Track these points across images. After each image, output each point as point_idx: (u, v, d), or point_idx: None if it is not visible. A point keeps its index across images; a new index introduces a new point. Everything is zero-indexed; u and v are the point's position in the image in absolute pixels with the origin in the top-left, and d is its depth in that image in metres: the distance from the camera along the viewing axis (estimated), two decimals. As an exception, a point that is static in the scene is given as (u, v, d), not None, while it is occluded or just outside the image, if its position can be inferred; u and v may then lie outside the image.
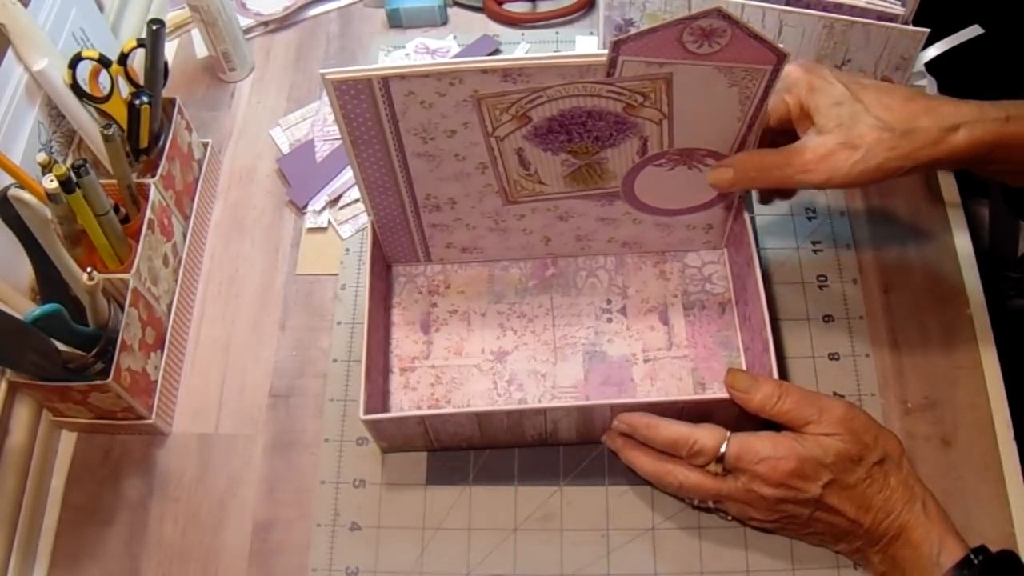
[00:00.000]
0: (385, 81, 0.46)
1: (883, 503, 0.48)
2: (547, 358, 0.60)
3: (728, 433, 0.50)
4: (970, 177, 0.67)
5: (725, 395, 0.51)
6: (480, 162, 0.53)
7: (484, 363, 0.60)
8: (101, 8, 0.70)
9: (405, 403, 0.59)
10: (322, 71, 0.47)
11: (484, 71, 0.46)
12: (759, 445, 0.49)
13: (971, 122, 0.47)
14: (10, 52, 0.58)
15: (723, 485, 0.50)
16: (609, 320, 0.61)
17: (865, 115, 0.48)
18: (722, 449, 0.49)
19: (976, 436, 0.57)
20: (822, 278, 0.63)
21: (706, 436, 0.50)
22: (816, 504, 0.49)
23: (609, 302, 0.62)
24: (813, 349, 0.60)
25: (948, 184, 0.66)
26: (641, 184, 0.56)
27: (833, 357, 0.60)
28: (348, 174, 0.69)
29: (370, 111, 0.49)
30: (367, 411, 0.52)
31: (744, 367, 0.59)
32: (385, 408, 0.59)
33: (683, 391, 0.59)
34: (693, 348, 0.60)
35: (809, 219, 0.66)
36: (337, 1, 0.80)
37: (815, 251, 0.64)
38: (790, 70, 0.50)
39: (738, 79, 0.47)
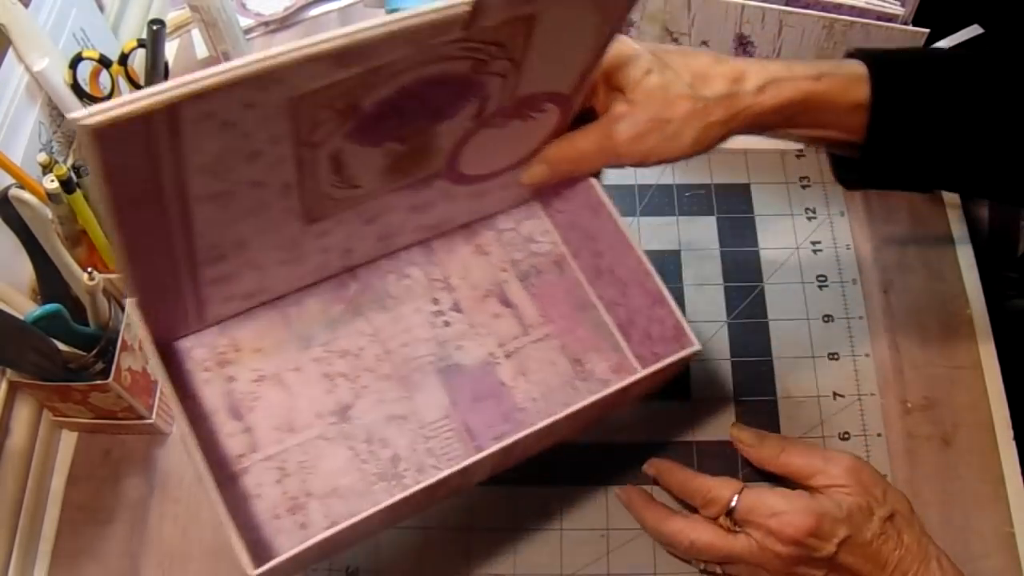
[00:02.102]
0: (173, 109, 0.31)
1: (898, 561, 0.47)
2: (398, 395, 0.49)
3: (743, 485, 0.50)
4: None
5: (625, 381, 0.45)
6: (284, 183, 0.40)
7: (328, 429, 0.48)
8: (101, 8, 0.70)
9: (262, 517, 0.46)
10: (74, 115, 0.30)
11: (312, 59, 0.33)
12: (772, 500, 0.48)
13: (780, 80, 0.45)
14: (10, 52, 0.58)
15: (735, 543, 0.49)
16: (447, 323, 0.52)
17: (676, 84, 0.45)
18: (734, 501, 0.49)
19: (976, 436, 0.57)
20: (822, 278, 0.63)
21: (720, 486, 0.50)
22: (830, 563, 0.47)
23: (436, 301, 0.52)
24: (813, 349, 0.60)
25: (948, 184, 0.66)
26: (468, 154, 0.46)
27: (833, 357, 0.60)
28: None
29: (145, 158, 0.33)
30: (257, 562, 0.39)
31: (614, 326, 0.52)
32: (257, 541, 0.45)
33: (562, 375, 0.51)
34: (551, 323, 0.52)
35: (809, 219, 0.66)
36: (337, 1, 0.81)
37: (815, 251, 0.64)
38: None
39: None
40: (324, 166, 0.41)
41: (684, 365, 0.49)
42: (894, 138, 0.47)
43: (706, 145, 0.46)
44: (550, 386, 0.51)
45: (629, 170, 0.68)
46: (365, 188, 0.44)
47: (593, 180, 0.50)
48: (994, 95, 0.47)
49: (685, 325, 0.46)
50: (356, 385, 0.50)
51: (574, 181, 0.51)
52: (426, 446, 0.49)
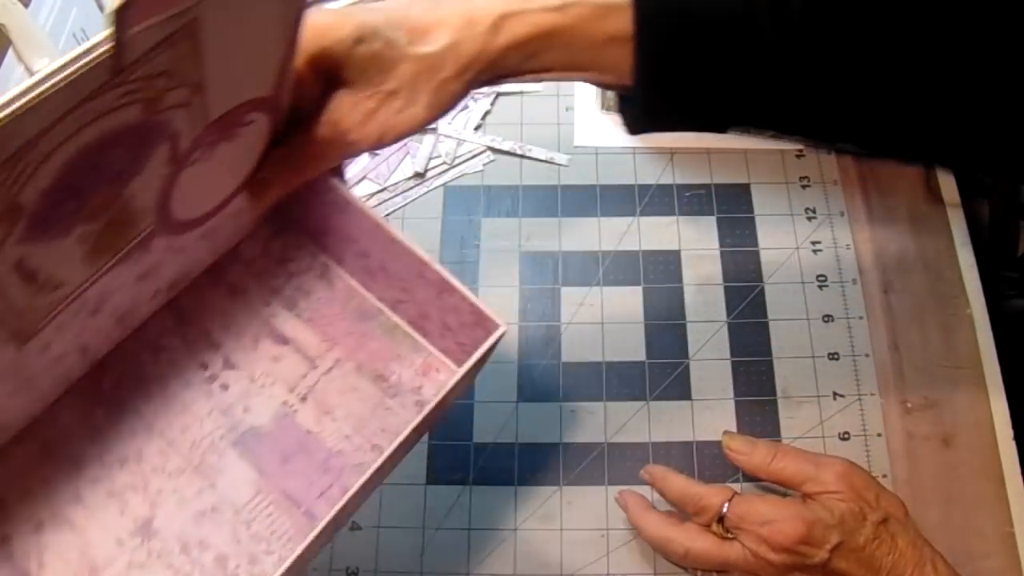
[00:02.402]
0: None
1: (892, 566, 0.46)
2: (199, 487, 0.43)
3: (733, 493, 0.50)
4: (970, 177, 0.67)
5: (443, 390, 0.40)
6: None
7: (135, 554, 0.42)
8: (101, 8, 0.70)
9: None
10: None
11: None
12: (764, 507, 0.48)
13: (512, 14, 0.40)
14: (10, 52, 0.59)
15: (730, 552, 0.49)
16: (224, 387, 0.45)
17: (392, 48, 0.39)
18: (724, 508, 0.49)
19: (976, 436, 0.57)
20: (822, 278, 0.63)
21: (711, 494, 0.50)
22: (824, 570, 0.47)
23: (205, 366, 0.45)
24: (813, 349, 0.60)
25: (948, 184, 0.66)
26: (179, 200, 0.39)
27: (833, 357, 0.60)
28: (348, 174, 0.69)
29: None
30: None
31: (407, 325, 0.48)
32: None
33: (369, 399, 0.46)
34: (338, 345, 0.46)
35: (809, 219, 0.66)
36: (337, 1, 0.80)
37: (815, 251, 0.64)
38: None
39: None
40: (11, 280, 0.33)
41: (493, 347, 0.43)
42: (666, 76, 0.41)
43: (447, 105, 0.41)
44: (360, 416, 0.46)
45: (629, 169, 0.68)
46: (71, 283, 0.37)
47: (333, 179, 0.44)
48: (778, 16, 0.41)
49: (483, 307, 0.42)
50: (149, 493, 0.43)
51: (313, 185, 0.44)
52: (249, 532, 0.43)
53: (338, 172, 0.45)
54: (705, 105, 0.43)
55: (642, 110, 0.44)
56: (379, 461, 0.38)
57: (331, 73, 0.40)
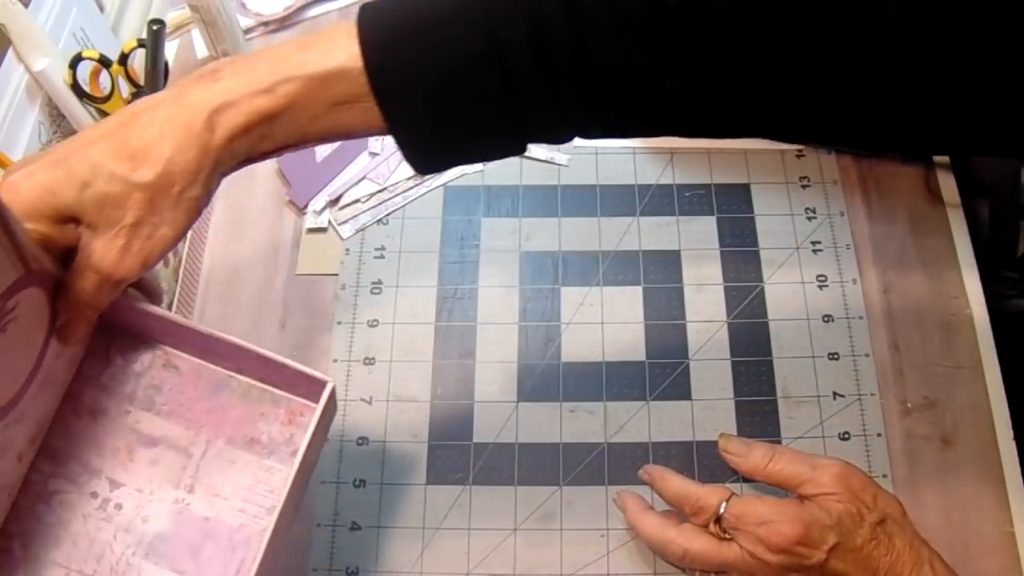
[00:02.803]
0: None
1: (890, 566, 0.46)
2: None
3: (731, 493, 0.50)
4: (970, 177, 0.67)
5: (303, 443, 0.43)
6: None
7: None
8: (101, 8, 0.70)
9: None
10: None
11: None
12: (761, 508, 0.48)
13: (226, 106, 0.38)
14: (10, 52, 0.58)
15: (728, 552, 0.49)
16: (118, 506, 0.46)
17: (117, 183, 0.38)
18: (722, 509, 0.49)
19: (976, 436, 0.57)
20: (822, 278, 0.63)
21: (709, 494, 0.50)
22: (822, 570, 0.47)
23: (95, 494, 0.46)
24: (813, 349, 0.60)
25: (948, 184, 0.66)
26: None
27: (833, 357, 0.60)
28: (348, 174, 0.69)
29: None
30: None
31: (258, 381, 0.48)
32: None
33: (249, 466, 0.47)
34: (203, 426, 0.48)
35: (809, 219, 0.66)
36: (337, 1, 0.81)
37: (815, 251, 0.64)
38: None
39: None
40: None
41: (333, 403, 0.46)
42: (423, 129, 0.40)
43: (194, 213, 0.40)
44: (247, 486, 0.47)
45: (628, 169, 0.68)
46: None
47: (126, 300, 0.45)
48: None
49: (308, 371, 0.45)
50: None
51: (115, 304, 0.43)
52: None
53: (139, 285, 0.46)
54: (472, 140, 0.41)
55: (415, 155, 0.42)
56: (273, 521, 0.41)
57: (69, 221, 0.39)
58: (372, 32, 0.39)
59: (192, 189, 0.39)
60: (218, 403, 0.48)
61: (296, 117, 0.39)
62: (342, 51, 0.38)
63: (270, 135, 0.40)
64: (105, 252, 0.39)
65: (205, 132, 0.38)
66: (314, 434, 0.44)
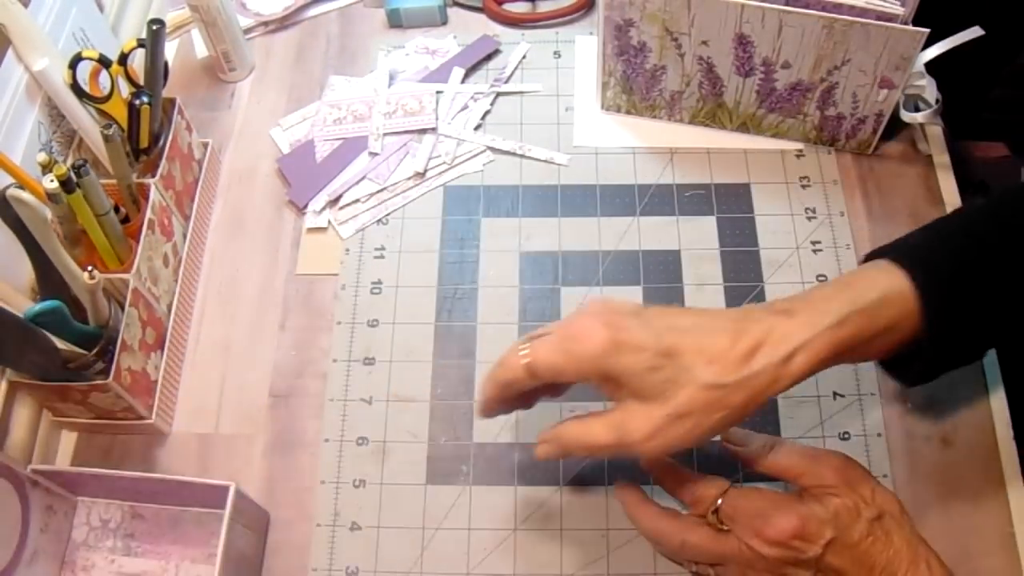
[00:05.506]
0: None
1: (886, 563, 0.46)
2: None
3: (728, 485, 0.49)
4: (970, 177, 0.67)
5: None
6: None
7: None
8: (101, 8, 0.70)
9: None
10: None
11: None
12: (758, 501, 0.48)
13: (805, 344, 0.43)
14: (10, 52, 0.58)
15: (725, 545, 0.48)
16: None
17: (686, 376, 0.43)
18: (719, 500, 0.49)
19: (976, 436, 0.57)
20: (822, 278, 0.63)
21: (707, 485, 0.50)
22: (818, 565, 0.47)
23: None
24: (813, 349, 0.60)
25: (948, 184, 0.66)
26: None
27: (833, 357, 0.60)
28: (348, 174, 0.69)
29: None
30: None
31: (200, 509, 0.57)
32: None
33: None
34: (175, 557, 0.56)
35: (809, 219, 0.66)
36: (337, 1, 0.81)
37: (815, 251, 0.64)
38: (584, 326, 0.44)
39: None
40: None
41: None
42: (953, 333, 0.46)
43: (727, 427, 0.45)
44: None
45: (628, 169, 0.68)
46: None
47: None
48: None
49: (208, 481, 0.51)
50: None
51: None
52: None
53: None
54: (983, 344, 0.49)
55: (928, 364, 0.47)
56: None
57: (624, 388, 0.44)
58: (913, 264, 0.45)
59: (741, 410, 0.44)
60: (181, 532, 0.56)
61: (855, 347, 0.44)
62: (881, 276, 0.45)
63: (831, 364, 0.44)
64: (640, 424, 0.44)
65: (779, 366, 0.43)
66: (232, 534, 0.49)
